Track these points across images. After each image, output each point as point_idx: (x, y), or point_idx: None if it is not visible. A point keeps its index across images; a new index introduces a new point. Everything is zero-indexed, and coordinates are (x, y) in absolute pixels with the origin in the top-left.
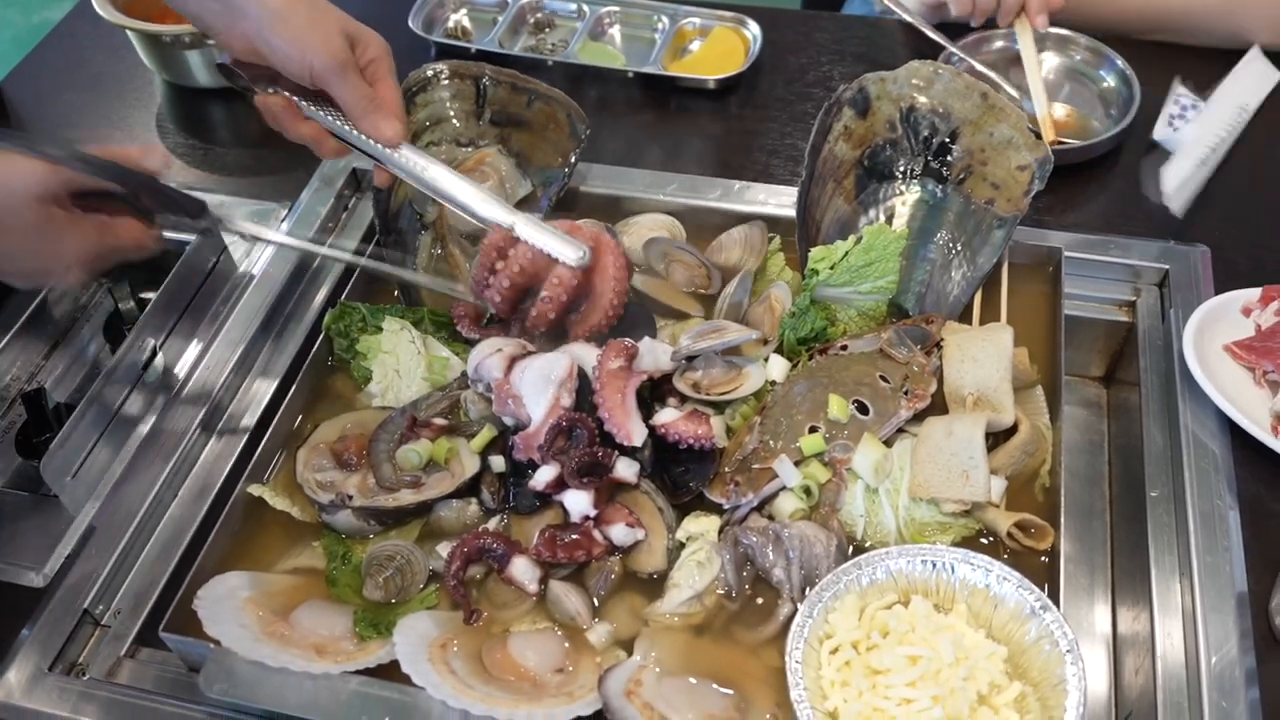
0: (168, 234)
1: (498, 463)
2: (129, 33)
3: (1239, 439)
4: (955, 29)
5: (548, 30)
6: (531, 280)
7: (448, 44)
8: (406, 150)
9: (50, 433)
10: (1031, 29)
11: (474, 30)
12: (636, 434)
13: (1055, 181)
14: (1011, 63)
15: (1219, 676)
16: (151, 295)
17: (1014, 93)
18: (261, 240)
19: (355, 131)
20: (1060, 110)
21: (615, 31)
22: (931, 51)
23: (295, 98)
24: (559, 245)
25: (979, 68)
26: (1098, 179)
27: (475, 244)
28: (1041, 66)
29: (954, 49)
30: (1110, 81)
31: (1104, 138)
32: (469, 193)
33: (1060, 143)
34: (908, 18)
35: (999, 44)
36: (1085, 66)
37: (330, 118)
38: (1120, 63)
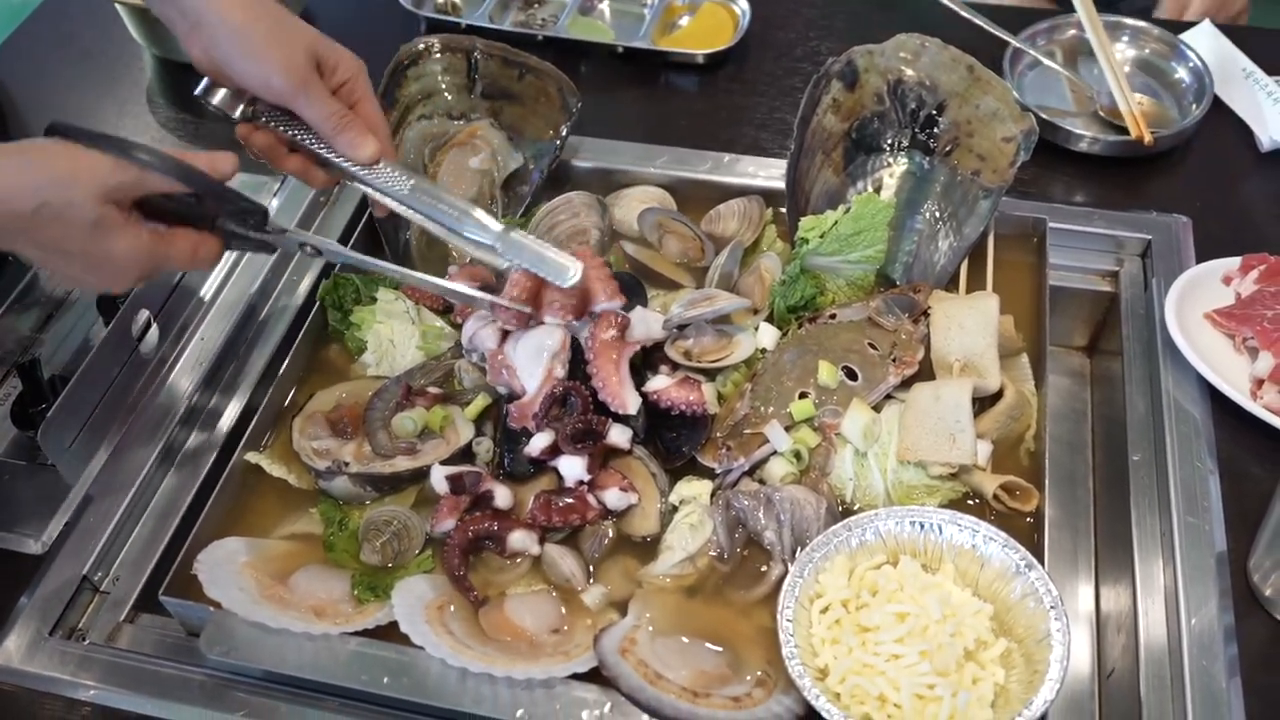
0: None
1: (484, 449)
2: (118, 7)
3: (1219, 404)
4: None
5: (537, 5)
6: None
7: (438, 19)
8: (387, 168)
9: (45, 403)
10: (1097, 14)
11: (464, 5)
12: (631, 402)
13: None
14: (1081, 54)
15: (1199, 634)
16: None
17: (1092, 89)
18: (324, 253)
19: (334, 155)
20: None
21: (605, 7)
22: (990, 45)
23: (274, 124)
24: (550, 260)
25: (1045, 61)
26: (1168, 166)
27: None
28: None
29: (1016, 42)
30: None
31: (1188, 124)
32: (453, 213)
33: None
34: (964, 13)
35: (1071, 33)
36: (1156, 58)
37: (311, 142)
38: (1191, 54)
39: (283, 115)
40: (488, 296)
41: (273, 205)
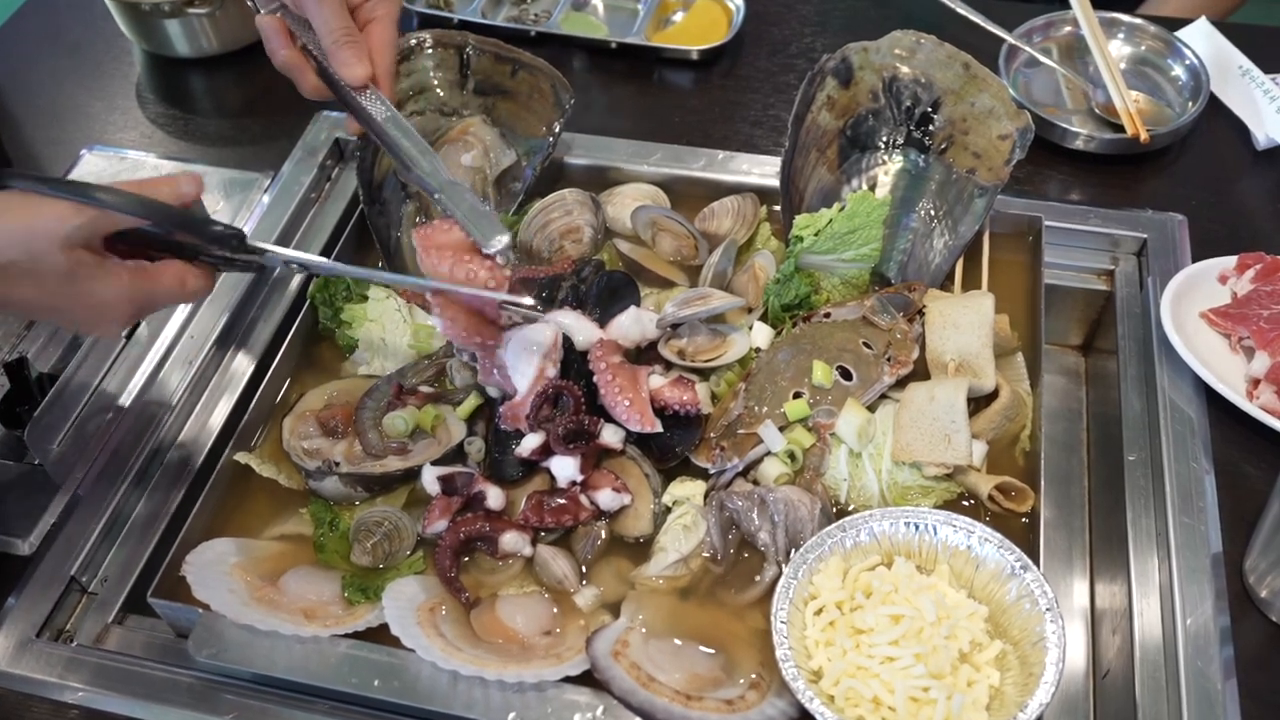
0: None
1: (476, 449)
2: (108, 1)
3: (1215, 404)
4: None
5: (530, 1)
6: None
7: (430, 14)
8: (373, 94)
9: (33, 402)
10: (1093, 11)
11: (456, 1)
12: (658, 421)
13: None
14: (1076, 50)
15: (1194, 636)
16: None
17: (1088, 86)
18: (310, 268)
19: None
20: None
21: (598, 2)
22: (986, 42)
23: (290, 21)
24: (484, 221)
25: (1041, 58)
26: (1163, 164)
27: None
28: (1110, 53)
29: (1012, 39)
30: (1177, 70)
31: (1184, 121)
32: (412, 151)
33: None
34: (960, 9)
35: (1067, 30)
36: (1153, 55)
37: (314, 49)
38: (1188, 52)
39: (299, 18)
40: (477, 291)
41: (263, 200)
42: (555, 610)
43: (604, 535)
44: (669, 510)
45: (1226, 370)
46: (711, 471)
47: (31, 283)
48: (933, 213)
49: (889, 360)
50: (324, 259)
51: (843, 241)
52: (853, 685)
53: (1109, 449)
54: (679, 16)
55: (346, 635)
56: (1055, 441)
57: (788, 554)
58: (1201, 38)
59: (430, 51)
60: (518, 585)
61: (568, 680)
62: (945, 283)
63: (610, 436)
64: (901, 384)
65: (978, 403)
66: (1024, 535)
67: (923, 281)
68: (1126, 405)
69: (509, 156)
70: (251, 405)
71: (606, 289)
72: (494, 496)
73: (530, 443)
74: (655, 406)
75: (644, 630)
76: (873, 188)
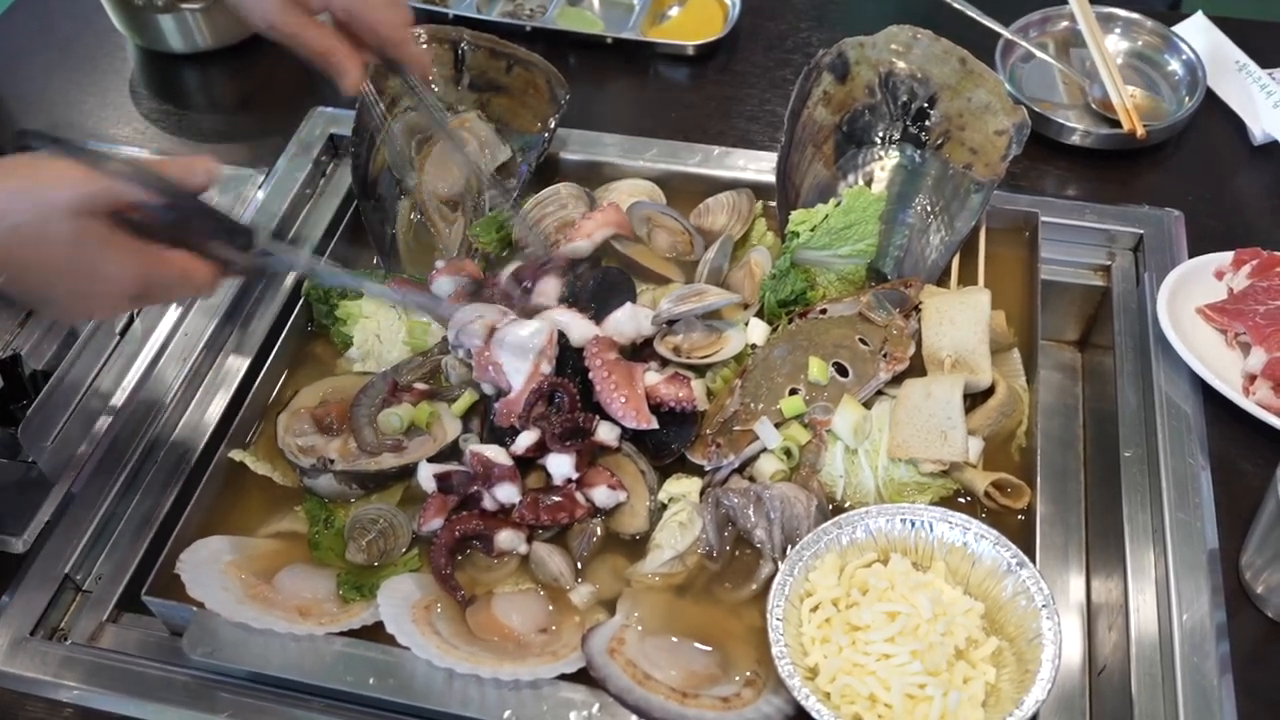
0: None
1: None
2: None
3: (1211, 400)
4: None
5: None
6: None
7: (425, 9)
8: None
9: (27, 399)
10: (1089, 6)
11: None
12: (653, 418)
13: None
14: (1073, 45)
15: (1190, 632)
16: None
17: (1085, 82)
18: (318, 275)
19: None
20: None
21: None
22: (982, 37)
23: None
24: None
25: (1038, 53)
26: (1160, 159)
27: (454, 209)
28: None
29: (1008, 34)
30: (1173, 65)
31: (1181, 117)
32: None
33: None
34: (956, 4)
35: (1063, 25)
36: (1149, 50)
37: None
38: (1184, 47)
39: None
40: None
41: (258, 197)
42: (551, 608)
43: (600, 532)
44: (665, 507)
45: (1223, 366)
46: (707, 468)
47: (34, 249)
48: (929, 208)
49: (885, 356)
50: (332, 267)
51: (839, 237)
52: (849, 682)
53: (1105, 445)
54: (675, 11)
55: (341, 633)
56: (1051, 438)
57: (784, 551)
58: (1198, 33)
59: (425, 47)
60: (513, 583)
61: (563, 678)
62: (941, 278)
63: (606, 433)
64: (898, 380)
65: (974, 399)
66: (1020, 531)
67: (919, 277)
68: (1123, 401)
69: (504, 152)
70: (246, 402)
71: (602, 285)
72: (505, 492)
73: (525, 441)
74: (651, 403)
75: (640, 627)
76: (869, 183)
